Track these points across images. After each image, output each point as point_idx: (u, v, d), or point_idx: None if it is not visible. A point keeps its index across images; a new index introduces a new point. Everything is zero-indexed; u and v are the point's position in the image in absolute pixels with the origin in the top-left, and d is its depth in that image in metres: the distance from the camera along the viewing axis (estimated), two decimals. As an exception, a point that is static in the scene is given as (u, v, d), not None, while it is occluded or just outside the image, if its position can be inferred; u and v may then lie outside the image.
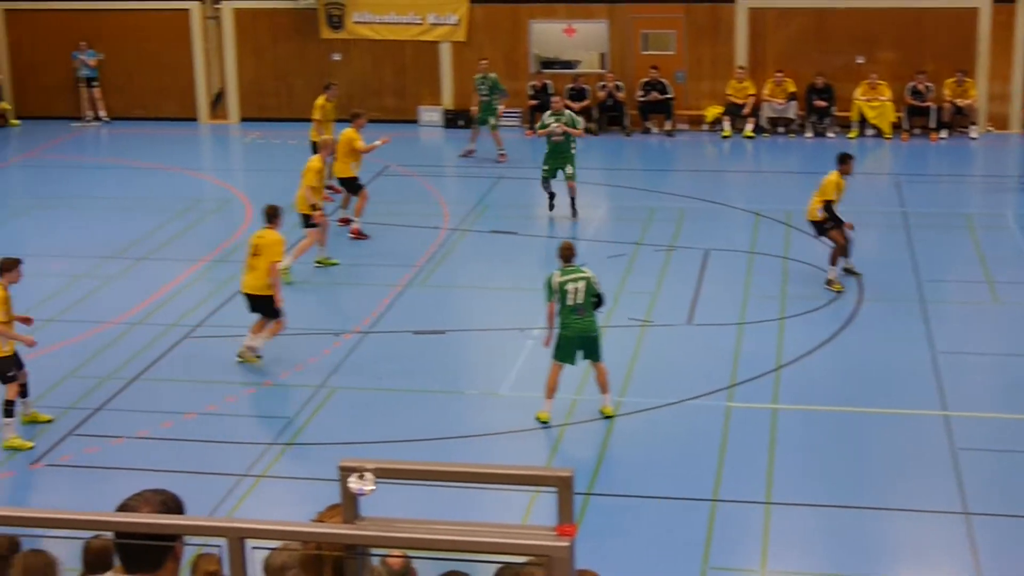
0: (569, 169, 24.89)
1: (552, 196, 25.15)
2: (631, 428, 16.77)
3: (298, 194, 22.35)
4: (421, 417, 17.23)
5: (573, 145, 25.02)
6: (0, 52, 35.20)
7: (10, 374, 16.37)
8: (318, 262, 22.56)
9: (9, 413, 16.36)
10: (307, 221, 22.32)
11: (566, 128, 24.68)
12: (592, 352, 16.78)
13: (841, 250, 21.24)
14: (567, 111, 25.29)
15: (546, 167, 25.14)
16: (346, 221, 24.55)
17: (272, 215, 18.97)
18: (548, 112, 25.57)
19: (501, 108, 30.04)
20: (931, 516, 14.56)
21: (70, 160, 31.52)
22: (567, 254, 16.96)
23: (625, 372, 18.28)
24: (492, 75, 29.97)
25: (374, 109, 33.23)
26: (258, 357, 18.59)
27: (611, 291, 21.03)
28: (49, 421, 17.00)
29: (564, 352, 16.76)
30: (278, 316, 18.70)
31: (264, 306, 18.66)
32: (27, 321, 17.04)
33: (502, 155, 29.56)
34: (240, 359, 18.61)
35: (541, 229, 25.04)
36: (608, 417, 16.68)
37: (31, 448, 16.30)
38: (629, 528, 14.43)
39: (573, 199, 25.07)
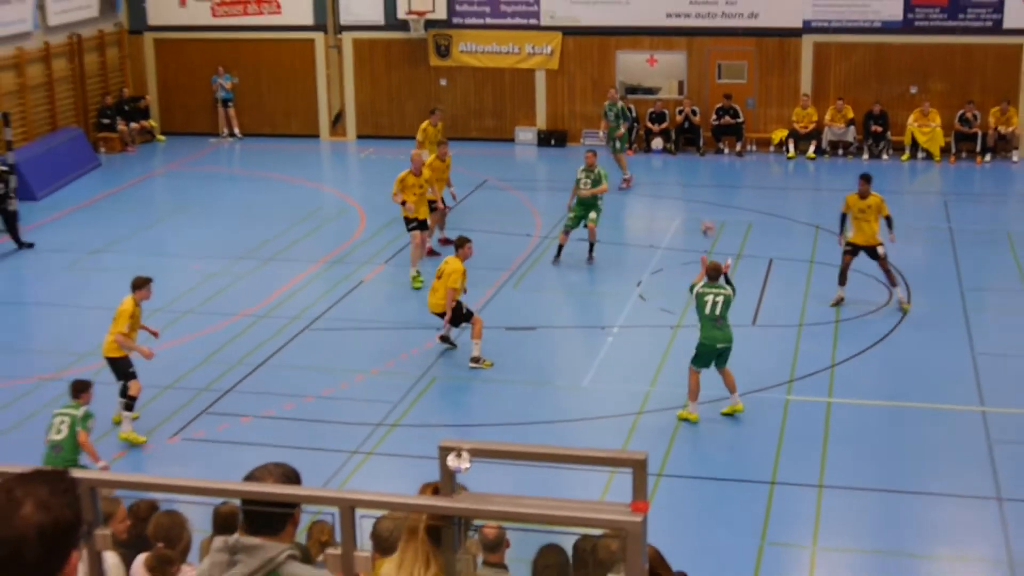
0: (592, 215, 23.13)
1: (561, 248, 23.23)
2: (700, 417, 16.69)
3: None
4: (512, 404, 17.30)
5: (600, 199, 23.39)
6: (149, 76, 35.68)
7: (131, 370, 16.34)
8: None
9: (129, 407, 16.35)
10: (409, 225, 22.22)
11: (592, 190, 23.13)
12: (723, 359, 16.48)
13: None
14: (597, 167, 23.49)
15: (571, 215, 23.30)
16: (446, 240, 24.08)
17: (459, 244, 19.18)
18: (581, 167, 23.61)
19: (620, 131, 28.74)
20: (967, 501, 14.43)
21: (208, 171, 31.86)
22: (714, 273, 16.57)
23: (695, 367, 18.29)
24: (619, 103, 28.97)
25: (475, 129, 33.46)
26: (481, 360, 18.53)
27: (683, 295, 21.02)
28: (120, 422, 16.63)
29: (703, 359, 16.47)
30: (470, 318, 18.75)
31: (455, 317, 18.77)
32: (154, 334, 17.06)
33: (626, 180, 28.56)
34: (474, 365, 18.51)
35: (620, 238, 25.00)
36: (735, 413, 16.49)
37: (144, 442, 16.19)
38: (695, 506, 14.44)
39: (592, 244, 23.32)
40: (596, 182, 23.26)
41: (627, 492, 4.28)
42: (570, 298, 22.07)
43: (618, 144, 28.55)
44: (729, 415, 16.55)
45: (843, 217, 20.80)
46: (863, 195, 20.44)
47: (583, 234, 23.01)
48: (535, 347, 19.63)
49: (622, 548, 4.19)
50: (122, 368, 16.41)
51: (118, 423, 16.48)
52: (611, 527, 4.28)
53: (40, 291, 22.88)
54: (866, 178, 20.69)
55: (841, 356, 18.65)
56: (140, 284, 16.54)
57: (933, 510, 14.41)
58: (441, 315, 18.79)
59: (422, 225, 22.26)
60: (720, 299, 16.44)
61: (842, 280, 20.66)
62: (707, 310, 16.44)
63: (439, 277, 18.81)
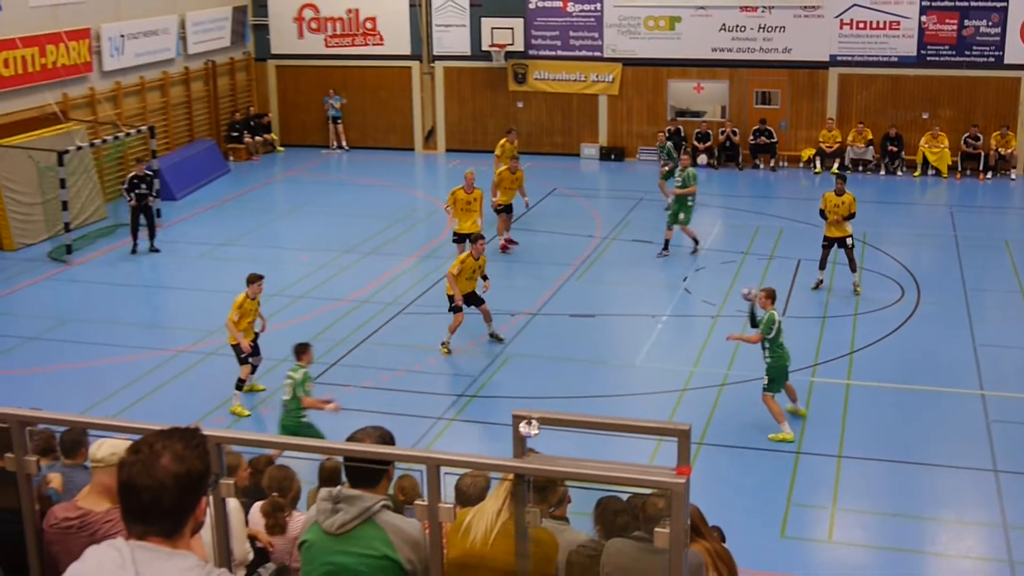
0: (682, 215, 23.24)
1: (667, 242, 23.43)
2: (735, 394, 16.63)
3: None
4: (574, 380, 17.28)
5: (690, 200, 23.36)
6: (271, 97, 35.95)
7: (243, 356, 16.37)
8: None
9: (239, 387, 16.37)
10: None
11: (682, 190, 23.14)
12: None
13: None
14: (690, 168, 23.59)
15: (669, 212, 23.55)
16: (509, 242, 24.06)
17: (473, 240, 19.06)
18: (678, 168, 23.91)
19: (665, 167, 26.94)
20: (968, 472, 14.26)
21: (319, 178, 32.05)
22: (774, 296, 15.44)
23: (732, 353, 18.14)
24: (668, 143, 27.94)
25: (546, 145, 33.43)
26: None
27: (723, 290, 20.90)
28: (263, 390, 16.93)
29: (778, 383, 15.29)
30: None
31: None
32: (263, 322, 16.91)
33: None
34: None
35: (671, 239, 24.89)
36: (801, 416, 15.74)
37: (248, 416, 16.13)
38: (731, 471, 14.35)
39: (695, 239, 23.59)
40: (685, 183, 23.33)
41: (672, 458, 4.27)
42: (625, 290, 21.99)
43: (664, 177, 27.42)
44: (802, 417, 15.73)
45: (821, 212, 21.05)
46: (839, 192, 20.69)
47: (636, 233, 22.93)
48: (594, 332, 19.60)
49: (668, 506, 4.18)
50: (236, 353, 16.51)
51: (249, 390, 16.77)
52: (659, 487, 4.27)
53: (176, 277, 23.14)
54: (843, 178, 21.22)
55: (859, 344, 18.46)
56: (251, 280, 16.38)
57: (938, 479, 14.24)
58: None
59: (462, 239, 21.34)
60: (782, 321, 15.46)
61: (822, 266, 21.07)
62: (782, 336, 15.28)
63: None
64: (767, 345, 15.26)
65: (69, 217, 24.13)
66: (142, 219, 24.04)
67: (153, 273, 23.46)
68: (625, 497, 7.26)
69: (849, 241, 20.75)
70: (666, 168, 26.92)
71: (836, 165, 31.14)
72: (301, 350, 14.27)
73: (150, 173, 24.43)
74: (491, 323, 18.83)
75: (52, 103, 26.66)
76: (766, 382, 15.32)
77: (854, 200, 20.75)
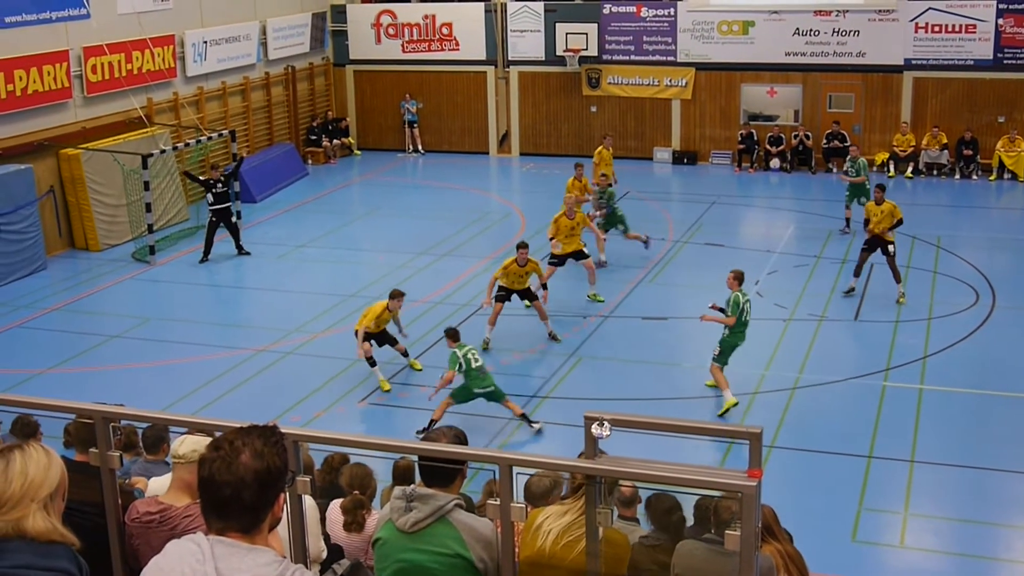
0: (863, 199, 24.17)
1: (848, 221, 24.85)
2: (807, 398, 16.47)
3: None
4: (647, 381, 17.20)
5: (866, 186, 24.31)
6: (349, 101, 36.24)
7: (370, 340, 17.05)
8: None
9: (372, 363, 17.08)
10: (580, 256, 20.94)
11: (852, 179, 24.47)
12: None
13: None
14: (860, 159, 24.81)
15: (848, 194, 24.88)
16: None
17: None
18: (848, 158, 25.26)
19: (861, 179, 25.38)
20: (1043, 479, 14.01)
21: (395, 181, 32.24)
22: (742, 278, 16.54)
23: (804, 355, 17.97)
24: (862, 159, 25.77)
25: (620, 148, 33.29)
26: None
27: (796, 293, 20.70)
28: (420, 369, 17.71)
29: (726, 356, 16.27)
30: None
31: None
32: (402, 334, 17.89)
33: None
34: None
35: (741, 242, 24.72)
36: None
37: (389, 390, 16.96)
38: (802, 474, 14.20)
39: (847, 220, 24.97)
40: (857, 172, 24.40)
41: (744, 461, 4.23)
42: (697, 292, 21.80)
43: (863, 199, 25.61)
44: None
45: (866, 222, 21.01)
46: (878, 202, 20.52)
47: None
48: (666, 334, 19.51)
49: (739, 509, 4.14)
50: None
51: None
52: (730, 490, 4.23)
53: (257, 277, 23.39)
54: (881, 188, 20.95)
55: (932, 349, 18.17)
56: (395, 295, 17.23)
57: (1011, 485, 13.95)
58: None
59: (562, 261, 20.91)
60: (749, 301, 16.38)
61: (857, 272, 20.76)
62: (748, 315, 16.26)
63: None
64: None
65: (152, 219, 24.50)
66: (220, 230, 24.17)
67: (233, 274, 23.74)
68: (694, 500, 7.23)
69: (891, 248, 20.35)
70: (862, 180, 25.47)
71: (911, 169, 30.76)
72: (452, 334, 15.64)
73: (223, 177, 24.46)
74: (547, 321, 18.99)
75: (137, 107, 27.10)
76: (716, 352, 16.20)
77: (896, 207, 20.40)
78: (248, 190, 28.32)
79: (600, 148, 26.45)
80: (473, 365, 15.20)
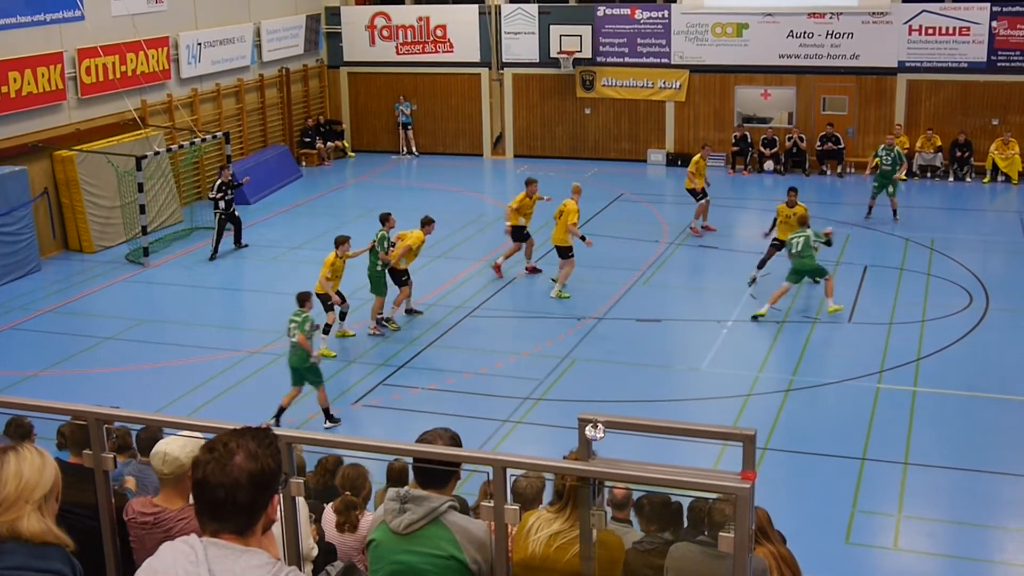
0: (891, 189, 25.50)
1: (871, 208, 25.91)
2: (801, 400, 16.49)
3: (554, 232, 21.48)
4: (640, 384, 17.21)
5: (898, 172, 25.51)
6: (343, 103, 36.23)
7: (329, 303, 18.48)
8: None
9: (326, 331, 18.38)
10: (565, 253, 21.17)
11: (877, 164, 25.80)
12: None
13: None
14: (896, 148, 25.71)
15: (875, 185, 25.85)
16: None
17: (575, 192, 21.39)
18: (882, 146, 26.11)
19: (899, 175, 26.26)
20: (1036, 481, 14.04)
21: (389, 183, 32.23)
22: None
23: (798, 357, 18.00)
24: (897, 149, 26.09)
25: (614, 151, 33.38)
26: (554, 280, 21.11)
27: (789, 295, 20.71)
28: (353, 336, 19.25)
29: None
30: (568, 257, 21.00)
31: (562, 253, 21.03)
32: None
33: (896, 218, 26.24)
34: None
35: (736, 245, 24.73)
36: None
37: (334, 357, 18.22)
38: (796, 476, 14.22)
39: (895, 210, 25.80)
40: (896, 161, 25.40)
41: (738, 462, 4.24)
42: (691, 295, 21.90)
43: (891, 188, 26.08)
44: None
45: (774, 220, 21.64)
46: (791, 204, 21.17)
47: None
48: (660, 336, 19.53)
49: (733, 511, 4.15)
50: (323, 301, 18.34)
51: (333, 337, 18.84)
52: (724, 492, 4.24)
53: (250, 279, 23.40)
54: (794, 191, 21.76)
55: (926, 351, 18.20)
56: (341, 241, 18.89)
57: (1005, 487, 13.99)
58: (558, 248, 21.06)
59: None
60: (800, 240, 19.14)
61: (761, 265, 21.50)
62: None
63: (558, 217, 20.98)
64: None
65: (146, 220, 24.49)
66: (228, 225, 24.69)
67: (227, 275, 23.73)
68: (687, 503, 7.24)
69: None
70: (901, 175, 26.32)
71: (904, 172, 30.80)
72: (304, 297, 16.10)
73: (235, 180, 24.92)
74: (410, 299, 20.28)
75: (131, 109, 27.07)
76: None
77: (806, 211, 20.81)
78: (242, 192, 28.22)
79: (696, 157, 25.51)
80: (290, 337, 15.83)
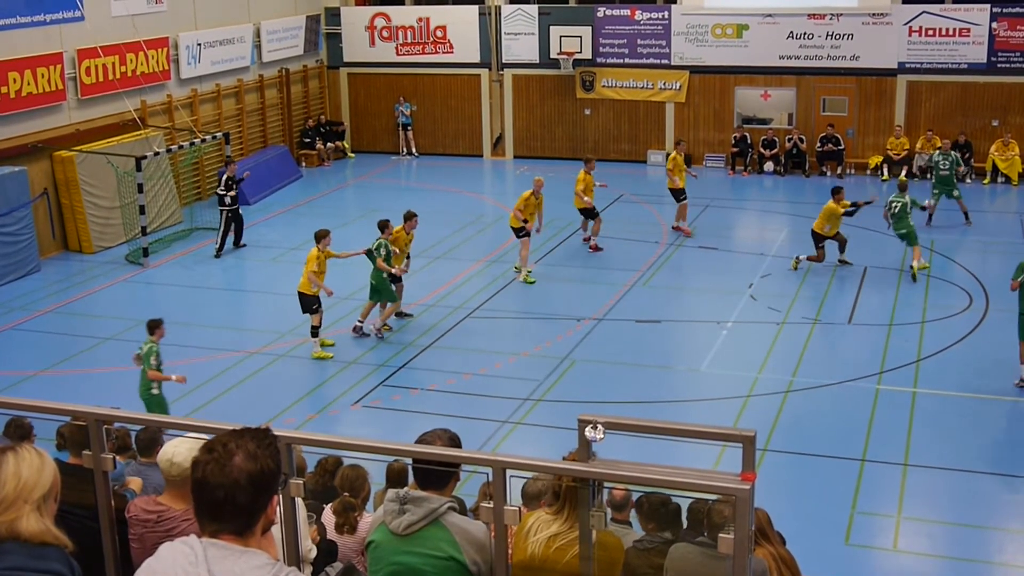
0: (956, 192, 25.69)
1: (931, 215, 25.63)
2: (801, 401, 16.48)
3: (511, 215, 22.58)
4: (640, 385, 17.21)
5: (956, 175, 25.97)
6: (343, 104, 36.24)
7: (314, 307, 18.27)
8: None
9: (315, 334, 18.35)
10: (518, 233, 22.36)
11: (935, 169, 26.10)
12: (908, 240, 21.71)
13: (818, 258, 22.43)
14: (953, 152, 26.09)
15: (935, 192, 25.88)
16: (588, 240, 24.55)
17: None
18: (938, 151, 26.56)
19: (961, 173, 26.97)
20: (1036, 482, 14.03)
21: (389, 183, 32.23)
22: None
23: (797, 358, 18.00)
24: (954, 153, 26.33)
25: (614, 152, 33.37)
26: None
27: (789, 296, 20.72)
28: (332, 344, 18.85)
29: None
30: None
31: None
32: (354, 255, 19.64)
33: (968, 222, 26.23)
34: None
35: (736, 246, 24.73)
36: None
37: (332, 358, 18.27)
38: (795, 477, 14.22)
39: (965, 213, 25.98)
40: (954, 164, 25.77)
41: (737, 463, 4.24)
42: (691, 296, 21.89)
43: (956, 192, 25.97)
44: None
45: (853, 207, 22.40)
46: (837, 202, 22.17)
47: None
48: (660, 337, 19.52)
49: (732, 512, 4.15)
50: (306, 303, 18.32)
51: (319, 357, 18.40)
52: (723, 493, 4.24)
53: (250, 280, 23.40)
54: (840, 189, 22.68)
55: (926, 352, 18.20)
56: (321, 236, 18.57)
57: (1005, 489, 13.99)
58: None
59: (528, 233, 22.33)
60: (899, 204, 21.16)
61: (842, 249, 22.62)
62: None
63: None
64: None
65: (146, 221, 24.49)
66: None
67: (227, 276, 23.73)
68: (687, 504, 7.24)
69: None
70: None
71: (904, 172, 30.81)
72: (154, 325, 15.27)
73: (238, 176, 25.15)
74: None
75: (131, 110, 27.07)
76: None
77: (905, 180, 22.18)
78: (242, 192, 28.19)
79: (674, 153, 25.81)
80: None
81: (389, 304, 19.44)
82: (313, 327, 18.38)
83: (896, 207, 22.03)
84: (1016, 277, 16.44)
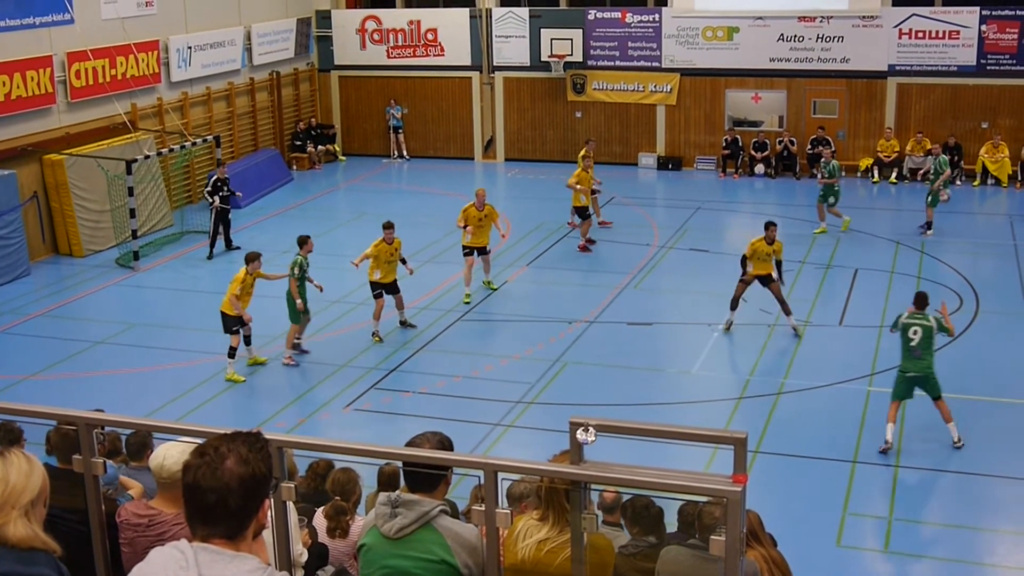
0: (832, 200, 25.43)
1: (930, 224, 25.21)
2: (792, 403, 16.50)
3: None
4: (631, 387, 17.21)
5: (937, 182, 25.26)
6: (334, 107, 36.22)
7: (235, 328, 17.77)
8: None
9: (231, 355, 17.74)
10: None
11: (824, 180, 25.41)
12: (931, 389, 14.79)
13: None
14: (833, 162, 25.74)
15: (931, 197, 25.29)
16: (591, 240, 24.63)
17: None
18: (821, 161, 26.25)
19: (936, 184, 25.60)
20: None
21: (380, 186, 32.20)
22: (920, 302, 15.04)
23: (788, 361, 18.01)
24: (835, 162, 26.04)
25: (604, 154, 33.34)
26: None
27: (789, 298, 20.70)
28: (264, 362, 18.40)
29: (901, 389, 14.84)
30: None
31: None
32: (319, 288, 18.72)
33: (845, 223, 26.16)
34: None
35: (727, 248, 24.74)
36: (957, 446, 14.81)
37: (244, 382, 17.63)
38: (787, 479, 14.23)
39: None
40: (830, 174, 25.24)
41: (729, 466, 4.23)
42: (682, 298, 21.90)
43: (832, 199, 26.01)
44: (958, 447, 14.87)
45: (744, 259, 19.39)
46: (770, 240, 19.01)
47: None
48: (651, 339, 19.53)
49: (723, 514, 4.14)
50: (226, 324, 17.88)
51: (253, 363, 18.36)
52: (715, 495, 4.23)
53: (241, 283, 23.34)
54: (773, 225, 19.23)
55: (916, 354, 18.21)
56: (252, 258, 18.20)
57: (996, 490, 14.01)
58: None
59: (480, 251, 21.73)
60: (920, 330, 14.68)
61: (734, 306, 19.38)
62: (911, 341, 14.73)
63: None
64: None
65: (136, 224, 24.45)
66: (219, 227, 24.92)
67: (217, 279, 23.65)
68: (678, 506, 7.23)
69: (774, 274, 19.20)
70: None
71: (894, 175, 30.89)
72: (302, 240, 17.88)
73: (228, 177, 25.29)
74: (403, 311, 19.79)
75: (121, 113, 27.01)
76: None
77: (782, 248, 19.35)
78: (232, 196, 28.24)
79: (583, 150, 26.19)
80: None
81: (292, 324, 18.72)
82: (231, 348, 17.80)
83: (918, 335, 14.84)
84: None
